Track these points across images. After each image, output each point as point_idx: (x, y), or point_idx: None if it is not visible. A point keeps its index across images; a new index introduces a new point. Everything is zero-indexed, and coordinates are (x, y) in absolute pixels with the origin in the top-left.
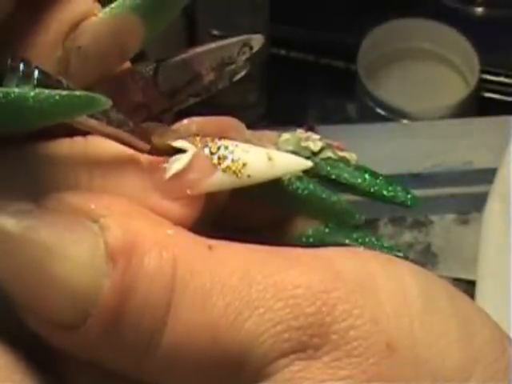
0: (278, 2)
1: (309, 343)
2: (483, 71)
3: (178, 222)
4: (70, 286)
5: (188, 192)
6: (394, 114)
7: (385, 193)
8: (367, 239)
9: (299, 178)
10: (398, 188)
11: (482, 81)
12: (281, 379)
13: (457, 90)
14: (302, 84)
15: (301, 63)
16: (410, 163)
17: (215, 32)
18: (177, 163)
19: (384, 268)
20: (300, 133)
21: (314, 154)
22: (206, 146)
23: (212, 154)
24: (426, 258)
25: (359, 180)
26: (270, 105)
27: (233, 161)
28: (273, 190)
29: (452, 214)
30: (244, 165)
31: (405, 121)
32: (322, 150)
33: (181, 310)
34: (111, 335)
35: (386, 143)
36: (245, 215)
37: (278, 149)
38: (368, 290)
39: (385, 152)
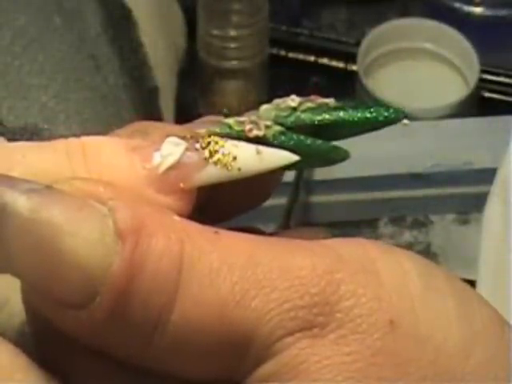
0: (278, 2)
1: (314, 322)
2: (483, 71)
3: None
4: (78, 263)
5: (181, 186)
6: None
7: (368, 115)
8: None
9: (283, 133)
10: (379, 107)
11: (481, 81)
12: (287, 356)
13: (457, 89)
14: (302, 84)
15: (301, 63)
16: (410, 163)
17: (215, 32)
18: (169, 158)
19: (383, 253)
20: (276, 100)
21: (295, 109)
22: (197, 141)
23: (203, 148)
24: (426, 257)
25: (341, 114)
26: None
27: (223, 154)
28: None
29: (452, 214)
30: (234, 158)
31: (405, 121)
32: (300, 104)
33: (189, 287)
34: (120, 314)
35: (386, 143)
36: (227, 202)
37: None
38: (370, 273)
39: (385, 152)
